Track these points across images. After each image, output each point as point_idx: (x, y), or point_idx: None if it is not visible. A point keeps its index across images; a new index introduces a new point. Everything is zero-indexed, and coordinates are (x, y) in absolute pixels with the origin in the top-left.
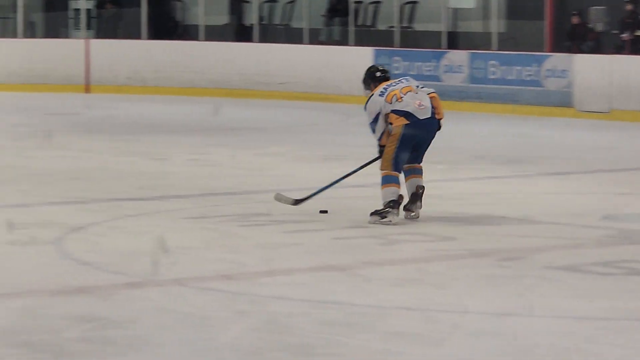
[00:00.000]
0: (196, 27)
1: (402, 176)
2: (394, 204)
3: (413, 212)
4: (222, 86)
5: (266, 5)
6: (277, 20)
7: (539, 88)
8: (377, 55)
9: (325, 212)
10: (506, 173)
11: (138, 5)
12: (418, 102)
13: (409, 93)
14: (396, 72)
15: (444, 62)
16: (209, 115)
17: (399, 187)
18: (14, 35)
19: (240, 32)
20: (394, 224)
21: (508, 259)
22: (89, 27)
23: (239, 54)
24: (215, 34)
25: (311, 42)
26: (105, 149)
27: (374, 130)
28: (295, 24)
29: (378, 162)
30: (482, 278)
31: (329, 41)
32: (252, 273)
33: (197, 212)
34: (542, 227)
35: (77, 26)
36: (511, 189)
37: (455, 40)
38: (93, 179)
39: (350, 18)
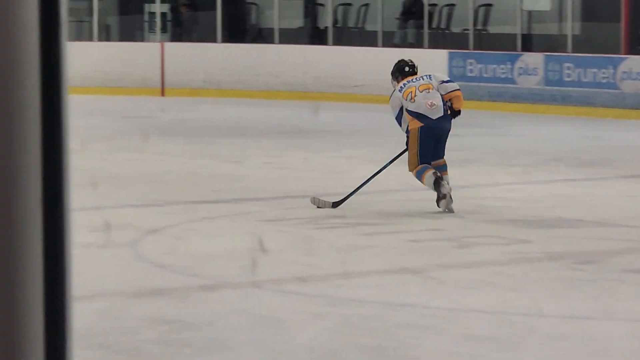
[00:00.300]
0: (271, 30)
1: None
2: (438, 180)
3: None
4: (296, 89)
5: (340, 8)
6: (351, 23)
7: (614, 90)
8: (452, 58)
9: (338, 204)
10: (582, 176)
11: (213, 8)
12: (430, 102)
13: (424, 92)
14: (470, 74)
15: (519, 64)
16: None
17: (431, 168)
18: (89, 38)
19: (315, 35)
20: (449, 205)
21: (584, 262)
22: (164, 30)
23: (313, 57)
24: (289, 37)
25: (385, 45)
26: (181, 152)
27: (400, 123)
28: (369, 27)
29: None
30: (558, 281)
31: (403, 44)
32: (327, 275)
33: (272, 214)
34: (619, 230)
35: (152, 29)
36: (587, 191)
37: (530, 43)
38: (168, 181)
39: (425, 21)
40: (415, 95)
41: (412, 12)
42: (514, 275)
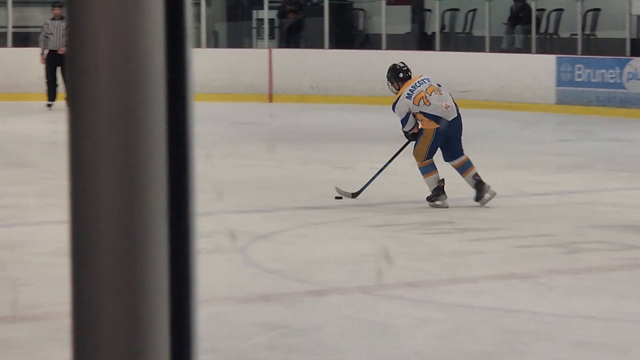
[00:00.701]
0: (378, 36)
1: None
2: (438, 190)
3: (488, 193)
4: None
5: (448, 13)
6: (458, 28)
7: None
8: (559, 63)
9: (340, 198)
10: None
11: (320, 14)
12: (445, 104)
13: (433, 94)
14: (578, 79)
15: (628, 69)
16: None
17: (437, 172)
18: (197, 45)
19: (422, 41)
20: (445, 207)
21: None
22: (272, 36)
23: (420, 63)
24: (396, 42)
25: (493, 50)
26: (289, 157)
27: (404, 125)
28: (476, 32)
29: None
30: None
31: (511, 49)
32: (435, 281)
33: (380, 220)
34: None
35: (260, 36)
36: None
37: (639, 47)
38: (277, 187)
39: (532, 26)
40: (428, 99)
41: (519, 17)
42: (624, 281)
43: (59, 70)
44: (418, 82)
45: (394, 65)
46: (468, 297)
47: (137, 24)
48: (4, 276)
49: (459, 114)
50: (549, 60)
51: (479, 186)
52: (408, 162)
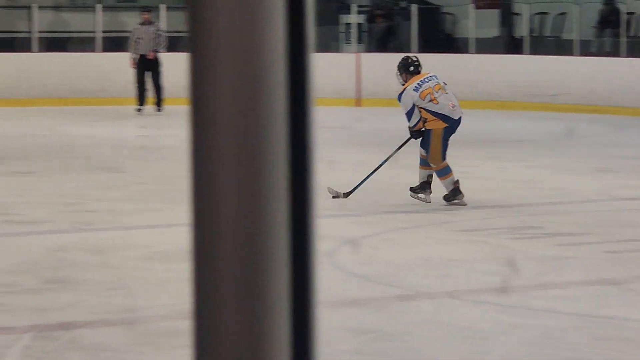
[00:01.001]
0: (466, 39)
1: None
2: (455, 191)
3: (425, 196)
4: (492, 98)
5: (537, 17)
6: (547, 32)
7: None
8: None
9: (337, 197)
10: None
11: (408, 18)
12: (451, 104)
13: (440, 92)
14: None
15: None
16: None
17: (453, 173)
18: None
19: (511, 45)
20: (464, 204)
21: None
22: (359, 41)
23: (509, 66)
24: (485, 46)
25: (582, 54)
26: (377, 162)
27: (409, 119)
28: (566, 36)
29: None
30: None
31: (600, 52)
32: (525, 286)
33: (468, 224)
34: None
35: (348, 40)
36: None
37: None
38: (365, 191)
39: (622, 29)
40: (435, 97)
41: (609, 21)
42: None
43: (148, 74)
44: (426, 78)
45: (407, 57)
46: (558, 303)
47: (258, 33)
48: (94, 280)
49: (461, 115)
50: (638, 64)
51: (425, 186)
52: (496, 166)
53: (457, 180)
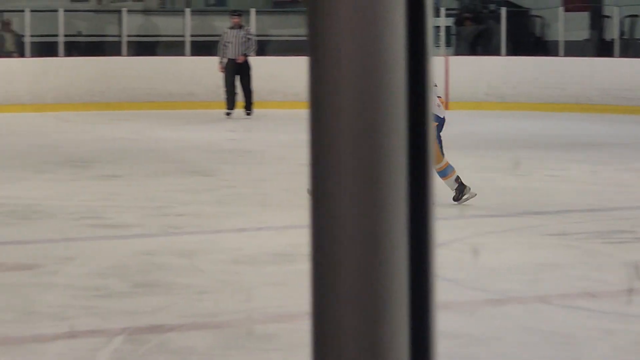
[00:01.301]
0: (555, 42)
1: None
2: (460, 186)
3: (469, 195)
4: (581, 102)
5: (627, 20)
6: (638, 34)
7: None
8: None
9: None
10: None
11: (497, 21)
12: (437, 103)
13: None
14: None
15: None
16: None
17: (454, 173)
18: None
19: (601, 47)
20: (474, 195)
21: None
22: (448, 44)
23: (599, 69)
24: (575, 49)
25: None
26: (465, 164)
27: None
28: None
29: None
30: None
31: None
32: (617, 291)
33: (559, 228)
34: None
35: (436, 43)
36: None
37: None
38: (452, 195)
39: None
40: None
41: None
42: None
43: (237, 78)
44: None
45: None
46: None
47: (378, 36)
48: (182, 284)
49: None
50: None
51: (461, 188)
52: (586, 169)
53: (458, 177)
